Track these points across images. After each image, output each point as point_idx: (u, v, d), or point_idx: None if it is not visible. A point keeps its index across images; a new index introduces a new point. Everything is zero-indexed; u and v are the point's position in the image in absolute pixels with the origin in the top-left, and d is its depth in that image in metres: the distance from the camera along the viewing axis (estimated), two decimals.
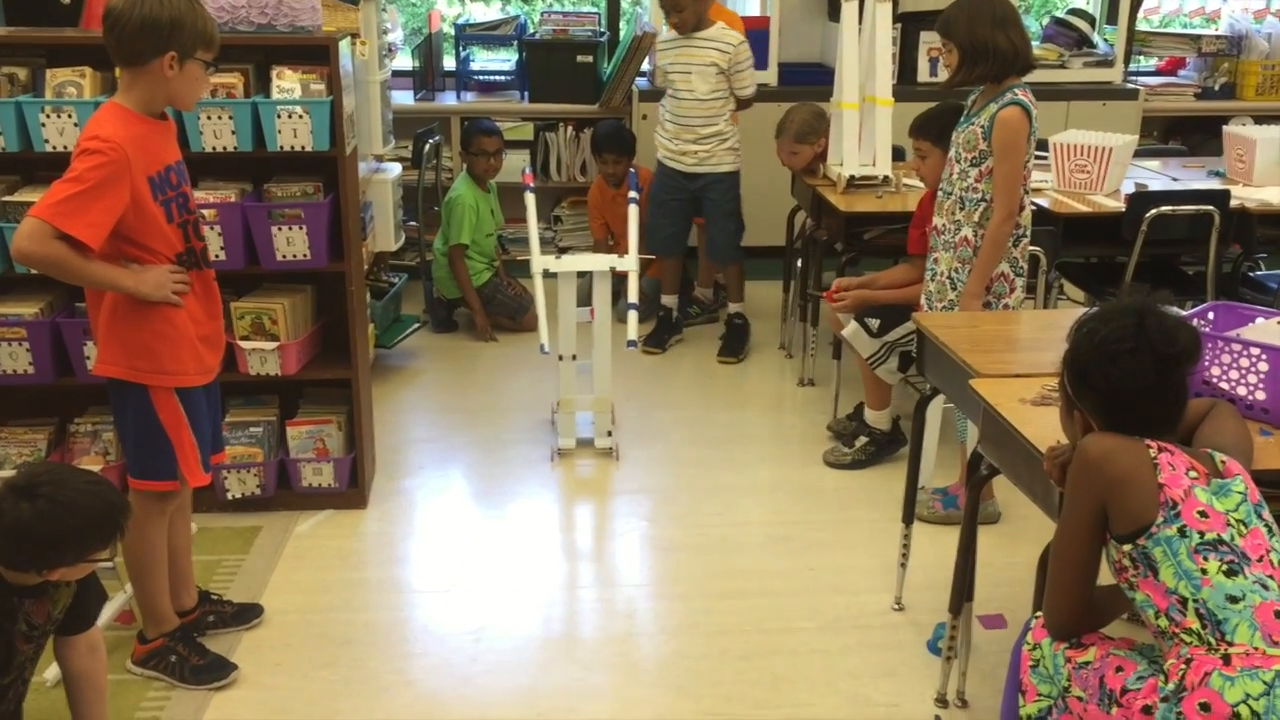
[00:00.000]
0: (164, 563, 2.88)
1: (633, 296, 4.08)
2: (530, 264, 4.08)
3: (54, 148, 3.30)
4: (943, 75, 3.56)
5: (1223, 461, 1.98)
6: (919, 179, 3.95)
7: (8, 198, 3.38)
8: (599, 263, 4.12)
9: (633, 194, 4.30)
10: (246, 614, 3.14)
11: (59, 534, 2.25)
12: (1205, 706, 1.79)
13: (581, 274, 4.23)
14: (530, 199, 4.24)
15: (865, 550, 3.54)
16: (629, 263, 4.10)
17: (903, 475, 3.26)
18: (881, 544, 3.51)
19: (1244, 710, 1.77)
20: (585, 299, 4.14)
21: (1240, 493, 1.94)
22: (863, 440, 4.06)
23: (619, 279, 4.43)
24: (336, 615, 3.20)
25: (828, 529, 3.68)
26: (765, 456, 4.19)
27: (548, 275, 4.05)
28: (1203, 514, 1.90)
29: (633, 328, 4.00)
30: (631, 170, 4.74)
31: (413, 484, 3.97)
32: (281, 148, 3.38)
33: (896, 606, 3.24)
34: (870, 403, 4.07)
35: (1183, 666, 1.85)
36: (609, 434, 4.15)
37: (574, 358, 4.10)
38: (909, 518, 3.21)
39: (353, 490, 3.75)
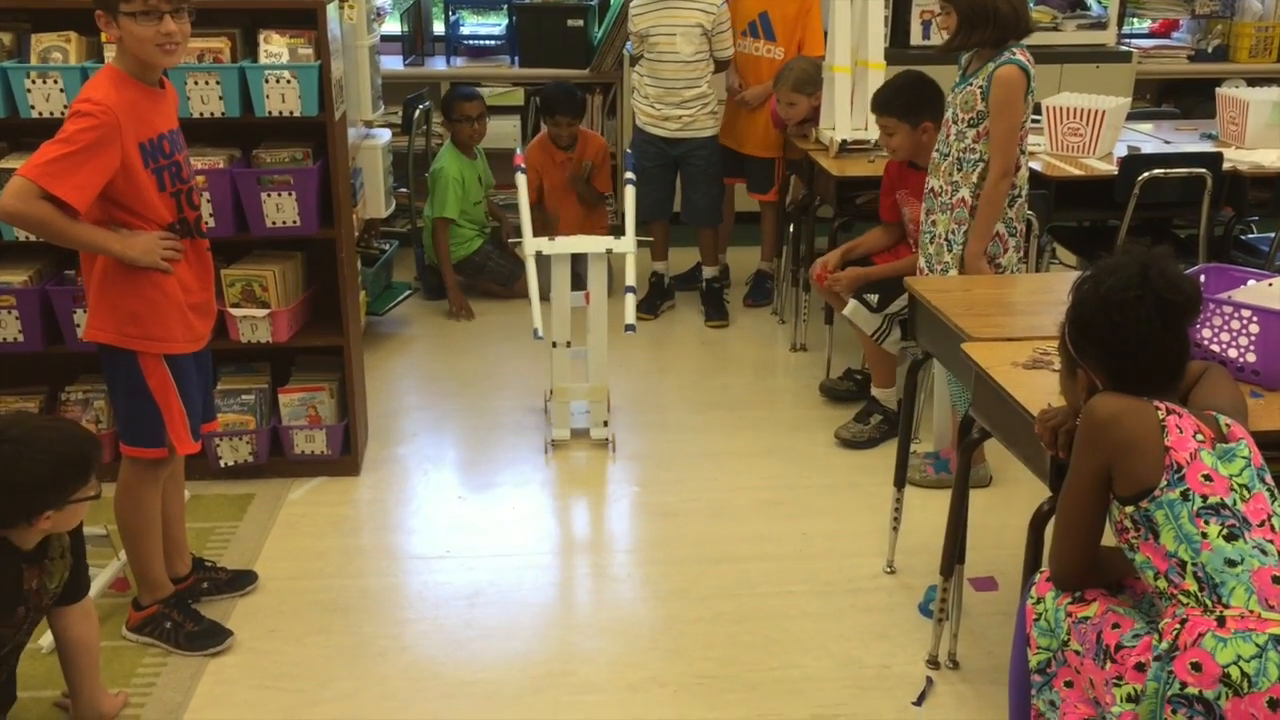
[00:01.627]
0: (157, 529, 2.88)
1: (630, 279, 3.90)
2: (523, 245, 3.91)
3: (40, 114, 3.27)
4: (936, 39, 3.54)
5: (1227, 425, 1.99)
6: (890, 154, 3.90)
7: None
8: (594, 245, 3.94)
9: (629, 175, 4.14)
10: (241, 580, 3.15)
11: (32, 475, 2.26)
12: (1196, 666, 1.80)
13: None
14: (521, 180, 4.09)
15: (857, 514, 3.55)
16: (626, 244, 3.91)
17: (894, 441, 3.26)
18: (873, 508, 3.52)
19: (1234, 671, 1.78)
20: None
21: (1244, 457, 1.95)
22: (877, 419, 4.01)
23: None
24: (330, 581, 3.21)
25: (820, 494, 3.69)
26: (758, 422, 4.19)
27: (540, 257, 3.87)
28: (1207, 478, 1.91)
29: (630, 312, 3.82)
30: (628, 151, 4.68)
31: (406, 451, 3.97)
32: (270, 113, 3.35)
33: (888, 570, 3.26)
34: (877, 381, 4.03)
35: (1177, 626, 1.86)
36: (605, 424, 4.00)
37: (568, 344, 3.93)
38: (901, 482, 3.22)
39: (345, 457, 3.75)
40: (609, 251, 3.91)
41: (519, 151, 4.31)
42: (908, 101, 3.71)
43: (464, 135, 5.23)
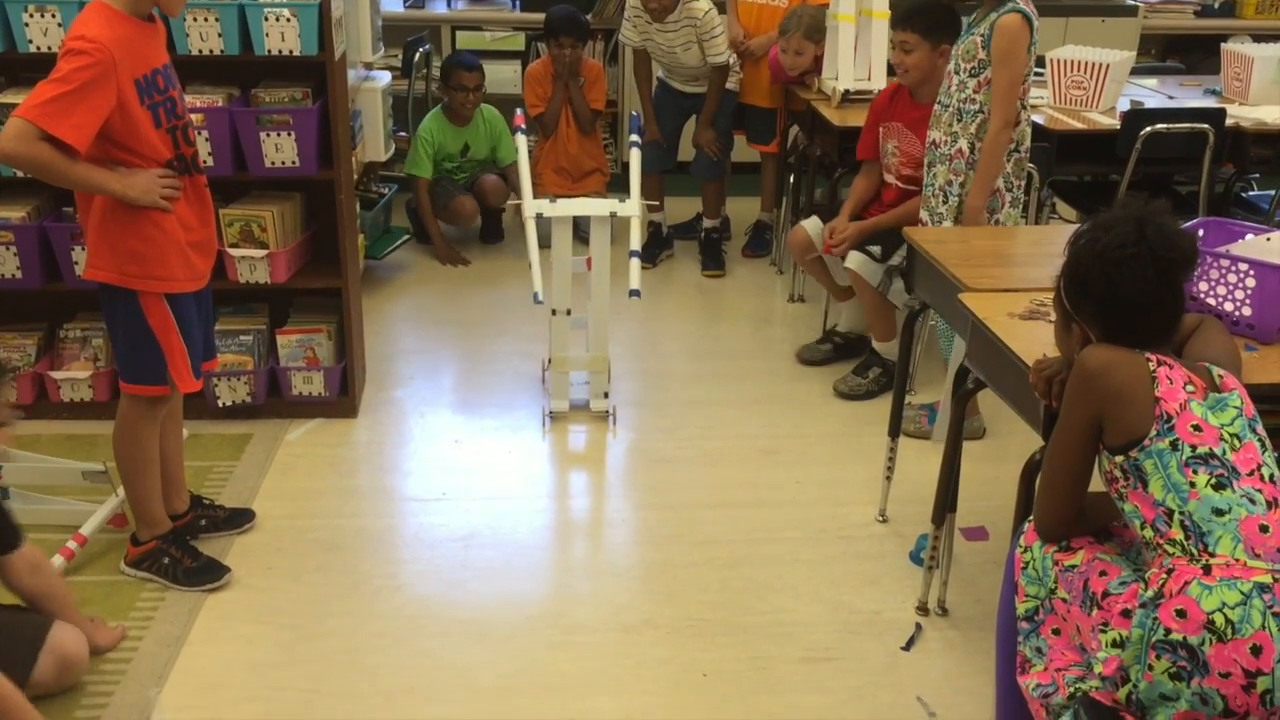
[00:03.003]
0: (155, 466, 2.90)
1: (635, 243, 3.70)
2: (522, 208, 3.72)
3: (38, 48, 3.25)
4: None
5: (1220, 376, 2.00)
6: (900, 74, 3.80)
7: None
8: (598, 207, 3.76)
9: (634, 138, 4.00)
10: (238, 519, 3.17)
11: None
12: (1181, 613, 1.83)
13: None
14: (521, 140, 3.95)
15: (851, 464, 3.57)
16: (631, 207, 3.71)
17: (889, 392, 3.28)
18: (867, 458, 3.54)
19: (1219, 618, 1.81)
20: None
21: (1236, 407, 1.96)
22: (875, 371, 4.00)
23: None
24: (327, 521, 3.23)
25: (815, 443, 3.72)
26: (754, 371, 4.21)
27: (541, 219, 3.68)
28: (1196, 428, 1.92)
29: (635, 276, 3.59)
30: (634, 114, 4.62)
31: (403, 394, 3.98)
32: (269, 51, 3.33)
33: (881, 518, 3.29)
34: (878, 335, 4.00)
35: (1164, 575, 1.88)
36: (605, 395, 3.84)
37: (568, 312, 3.75)
38: (895, 432, 3.24)
39: (343, 399, 3.76)
40: (613, 214, 3.72)
41: (519, 112, 4.20)
42: (931, 20, 3.62)
43: (456, 103, 5.12)
